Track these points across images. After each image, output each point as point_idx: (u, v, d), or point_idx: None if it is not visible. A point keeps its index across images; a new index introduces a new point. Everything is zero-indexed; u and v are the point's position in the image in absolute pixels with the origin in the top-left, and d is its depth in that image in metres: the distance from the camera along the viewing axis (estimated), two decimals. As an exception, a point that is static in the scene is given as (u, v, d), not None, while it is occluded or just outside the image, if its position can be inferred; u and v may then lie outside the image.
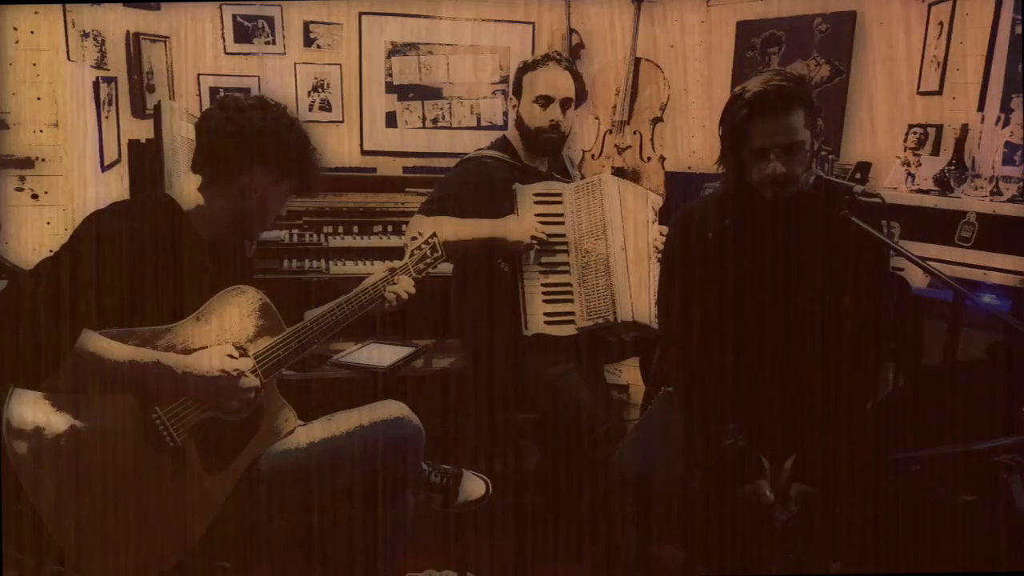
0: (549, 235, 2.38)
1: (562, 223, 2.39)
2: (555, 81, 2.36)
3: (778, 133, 1.77)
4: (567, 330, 2.35)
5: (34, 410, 1.55)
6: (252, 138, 1.71)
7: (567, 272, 2.38)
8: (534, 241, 2.33)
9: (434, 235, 2.03)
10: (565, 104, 2.38)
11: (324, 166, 1.83)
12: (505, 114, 3.61)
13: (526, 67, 2.40)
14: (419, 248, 2.00)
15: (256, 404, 1.72)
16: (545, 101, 2.37)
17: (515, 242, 2.33)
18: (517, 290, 2.36)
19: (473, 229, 2.33)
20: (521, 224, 2.34)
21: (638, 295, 2.36)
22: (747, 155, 1.81)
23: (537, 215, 2.38)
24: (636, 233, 2.42)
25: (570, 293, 2.37)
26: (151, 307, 1.65)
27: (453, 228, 2.27)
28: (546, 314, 2.35)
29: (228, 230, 1.77)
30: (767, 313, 1.85)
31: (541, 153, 2.45)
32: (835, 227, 1.79)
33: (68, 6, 2.50)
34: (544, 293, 2.36)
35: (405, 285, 1.93)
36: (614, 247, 2.37)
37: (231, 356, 1.68)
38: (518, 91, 2.41)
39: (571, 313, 2.36)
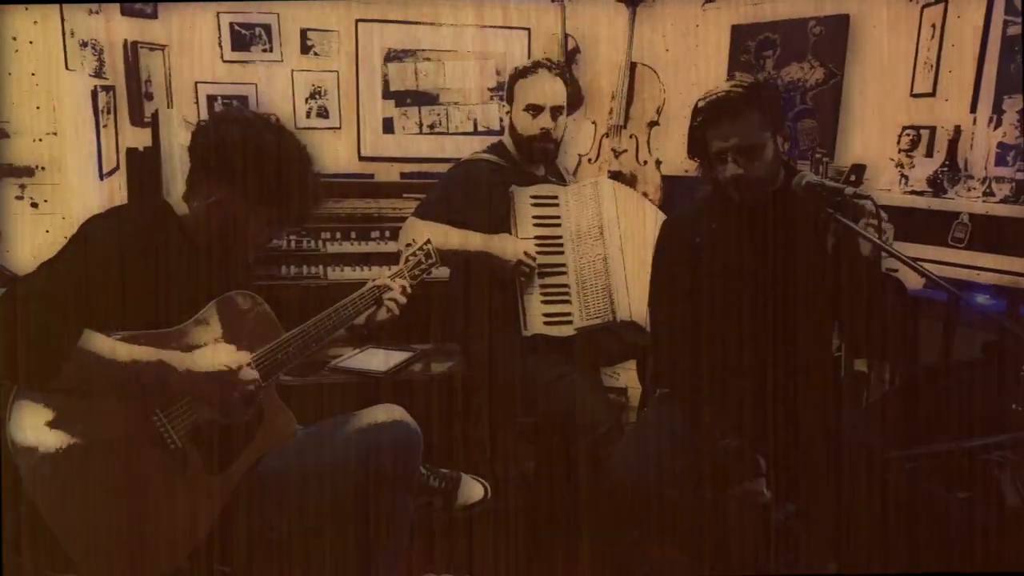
0: (547, 237, 2.39)
1: (559, 225, 2.41)
2: (545, 89, 2.37)
3: (731, 136, 1.82)
4: (566, 331, 2.36)
5: (35, 414, 1.56)
6: (225, 158, 1.66)
7: (564, 273, 2.39)
8: (522, 265, 2.34)
9: (428, 241, 2.05)
10: (556, 112, 2.40)
11: (318, 198, 1.76)
12: (502, 119, 3.62)
13: (517, 74, 2.41)
14: (413, 255, 2.03)
15: (257, 399, 1.72)
16: (535, 110, 2.38)
17: (503, 261, 2.34)
18: (515, 292, 2.37)
19: (465, 239, 2.35)
20: (513, 245, 2.36)
21: (636, 295, 2.38)
22: (711, 161, 1.87)
23: (534, 217, 2.39)
24: (633, 235, 2.43)
25: (568, 294, 2.38)
26: (145, 311, 1.64)
27: (445, 235, 2.29)
28: (544, 315, 2.36)
29: (217, 243, 1.74)
30: (756, 314, 1.86)
31: (535, 160, 2.46)
32: (827, 229, 1.81)
33: (67, 16, 2.51)
34: (542, 294, 2.38)
35: (401, 288, 1.95)
36: (612, 248, 2.38)
37: (230, 351, 1.68)
38: (510, 98, 2.43)
39: (569, 314, 2.37)
